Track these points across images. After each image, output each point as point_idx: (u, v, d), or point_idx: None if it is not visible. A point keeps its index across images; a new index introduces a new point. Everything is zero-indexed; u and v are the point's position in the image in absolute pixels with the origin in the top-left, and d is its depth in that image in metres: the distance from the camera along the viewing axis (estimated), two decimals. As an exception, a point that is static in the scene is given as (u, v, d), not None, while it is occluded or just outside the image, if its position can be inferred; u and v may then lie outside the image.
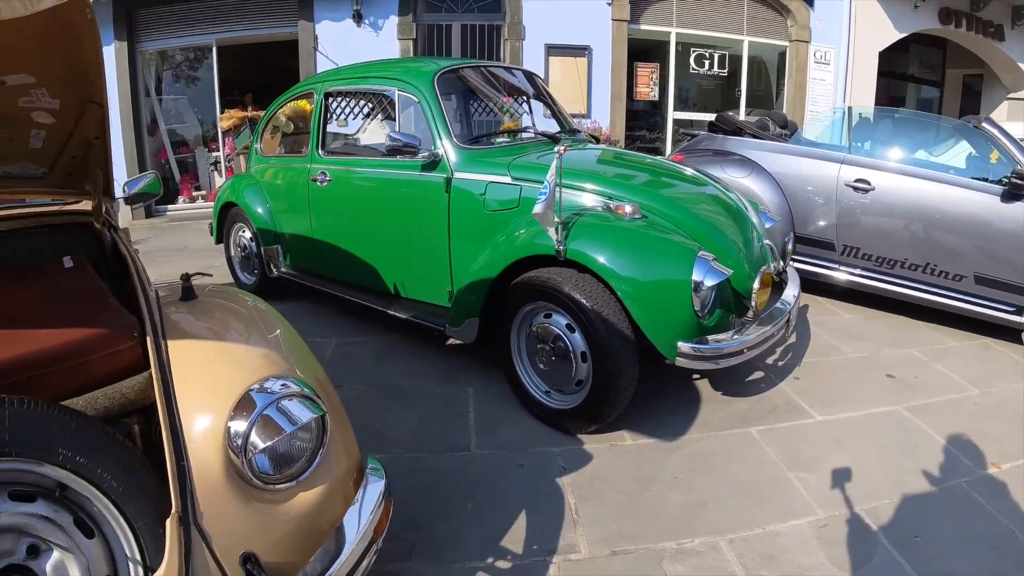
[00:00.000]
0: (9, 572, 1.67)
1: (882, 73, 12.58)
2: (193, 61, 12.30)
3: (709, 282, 3.16)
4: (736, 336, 3.37)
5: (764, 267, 3.69)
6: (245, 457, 1.89)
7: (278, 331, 2.40)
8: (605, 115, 10.93)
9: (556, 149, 3.23)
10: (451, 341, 4.55)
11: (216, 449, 1.90)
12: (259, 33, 11.20)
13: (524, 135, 4.72)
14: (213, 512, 1.84)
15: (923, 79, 16.36)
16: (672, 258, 3.23)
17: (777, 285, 4.06)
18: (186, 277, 2.53)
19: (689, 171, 4.24)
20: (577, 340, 3.33)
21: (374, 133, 5.72)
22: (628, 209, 3.40)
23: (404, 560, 2.73)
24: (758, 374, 4.36)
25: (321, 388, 2.17)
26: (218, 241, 6.59)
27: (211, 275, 2.99)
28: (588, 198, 3.65)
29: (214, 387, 2.02)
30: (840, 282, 5.62)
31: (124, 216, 11.02)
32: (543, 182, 3.31)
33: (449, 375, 4.30)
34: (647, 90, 11.48)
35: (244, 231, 6.13)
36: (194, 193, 12.07)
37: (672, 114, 11.75)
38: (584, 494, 3.07)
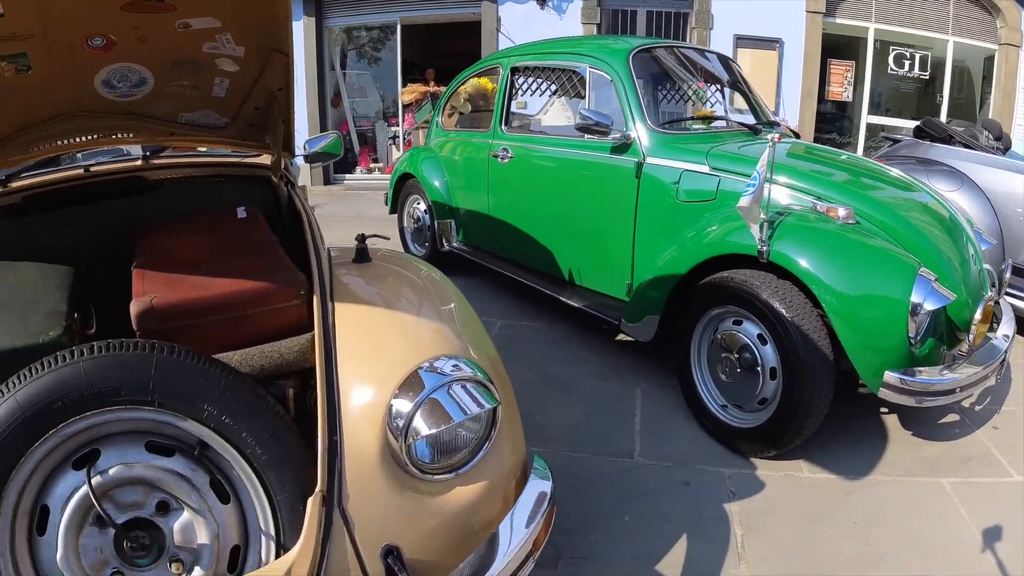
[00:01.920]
0: (135, 525, 1.61)
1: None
2: (377, 39, 12.68)
3: (929, 305, 2.76)
4: (947, 372, 2.94)
5: (985, 296, 3.23)
6: (405, 442, 1.72)
7: (453, 305, 2.23)
8: (794, 113, 10.35)
9: (769, 138, 2.91)
10: (621, 336, 4.32)
11: (374, 428, 1.74)
12: (443, 13, 11.39)
13: (719, 123, 4.39)
14: (360, 496, 1.69)
15: None
16: (890, 273, 2.84)
17: None
18: (362, 238, 2.42)
19: (894, 172, 3.81)
20: (768, 353, 3.01)
21: (561, 111, 5.56)
22: (841, 212, 3.03)
23: (550, 568, 2.54)
24: (952, 417, 3.82)
25: (495, 373, 1.98)
26: (392, 211, 6.65)
27: (388, 238, 2.88)
28: (791, 196, 3.30)
29: (380, 360, 1.88)
30: None
31: (303, 180, 11.47)
32: (745, 174, 3.01)
33: (616, 372, 4.06)
34: (840, 89, 10.77)
35: (419, 203, 6.13)
36: (371, 164, 12.51)
37: (866, 118, 10.96)
38: (752, 525, 2.76)
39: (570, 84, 4.51)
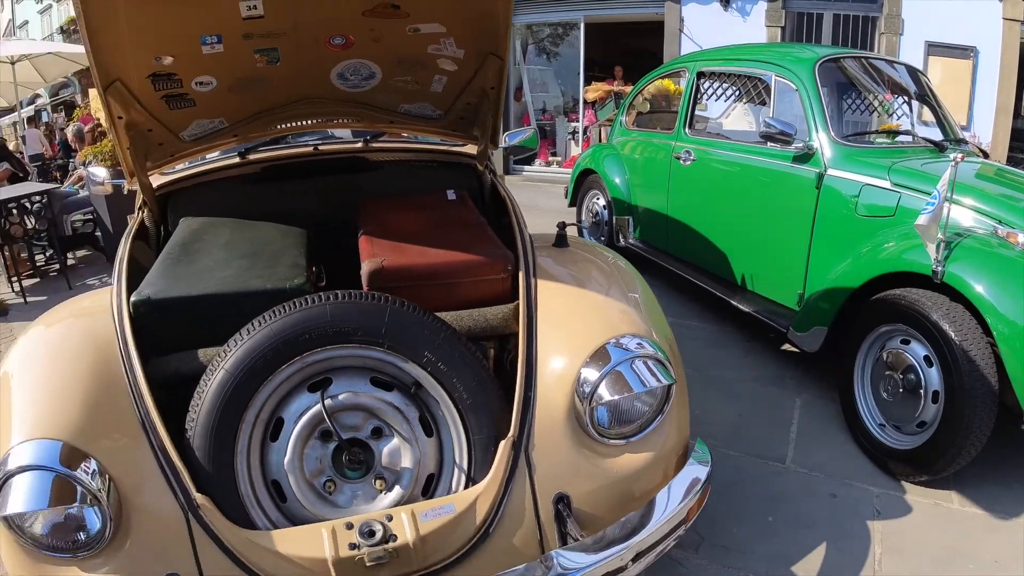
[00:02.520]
0: (352, 444, 1.92)
1: None
2: (559, 35, 12.88)
3: None
4: None
5: None
6: (588, 405, 1.96)
7: (639, 292, 2.44)
8: (986, 130, 9.53)
9: (952, 157, 2.86)
10: (786, 346, 4.33)
11: (563, 390, 2.01)
12: (627, 12, 11.46)
13: (904, 138, 4.28)
14: (544, 447, 1.96)
15: None
16: None
17: None
18: (562, 225, 2.71)
19: None
20: (932, 376, 2.95)
21: (742, 116, 5.56)
22: (1022, 239, 2.93)
23: (691, 551, 2.69)
24: None
25: (673, 356, 2.19)
26: (571, 204, 6.85)
27: (585, 226, 3.07)
28: (972, 218, 3.20)
29: (574, 332, 2.14)
30: None
31: (483, 174, 11.88)
32: (926, 192, 2.97)
33: (778, 379, 4.08)
34: (1042, 105, 9.89)
35: (598, 198, 6.30)
36: (550, 158, 12.76)
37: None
38: (893, 546, 2.74)
39: (755, 91, 4.53)
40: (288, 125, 3.10)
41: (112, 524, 1.71)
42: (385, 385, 1.97)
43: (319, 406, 1.89)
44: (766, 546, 2.72)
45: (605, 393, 1.97)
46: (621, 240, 5.75)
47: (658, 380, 2.02)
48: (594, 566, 1.75)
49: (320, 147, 3.37)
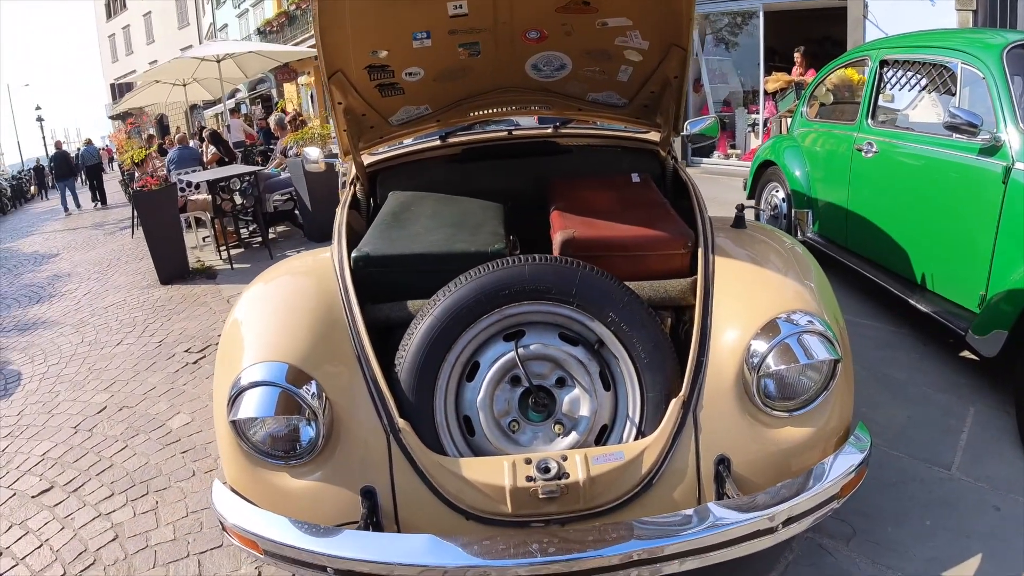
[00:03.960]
0: (538, 390, 2.14)
1: None
2: (738, 24, 12.50)
3: None
4: None
5: None
6: (757, 374, 2.05)
7: (813, 274, 2.48)
8: None
9: None
10: (964, 353, 4.08)
11: (734, 359, 2.12)
12: (808, 1, 10.87)
13: None
14: (711, 410, 2.06)
15: None
16: None
17: None
18: (740, 207, 2.83)
19: None
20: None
21: (930, 107, 5.23)
22: None
23: (842, 543, 2.66)
24: None
25: (841, 337, 2.23)
26: (750, 196, 6.70)
27: (763, 210, 3.08)
28: None
29: (747, 306, 2.24)
30: None
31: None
32: None
33: (952, 385, 3.85)
34: None
35: (777, 191, 6.14)
36: (729, 151, 12.49)
37: None
38: None
39: (940, 80, 4.26)
40: (485, 112, 3.45)
41: (324, 438, 2.02)
42: (572, 340, 2.17)
43: (513, 353, 2.13)
44: (919, 548, 2.63)
45: (772, 364, 2.05)
46: (800, 234, 5.60)
47: (825, 355, 2.07)
48: (746, 522, 1.83)
49: (514, 132, 3.70)
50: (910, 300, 4.12)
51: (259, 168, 10.06)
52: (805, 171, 5.62)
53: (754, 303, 2.23)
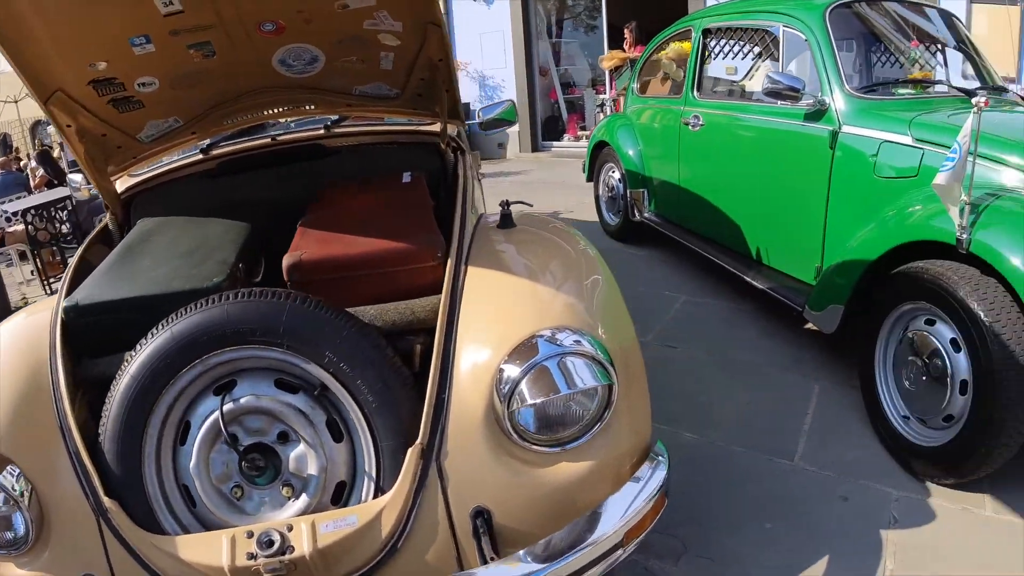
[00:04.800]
0: (257, 449, 1.82)
1: None
2: (586, 5, 12.48)
3: None
4: None
5: None
6: (509, 408, 1.73)
7: (597, 279, 2.14)
8: (1040, 81, 8.83)
9: (974, 102, 2.38)
10: (809, 325, 3.92)
11: (480, 390, 1.78)
12: None
13: (940, 88, 3.74)
14: (459, 455, 1.76)
15: None
16: None
17: None
18: (506, 204, 2.45)
19: None
20: (960, 363, 2.51)
21: (755, 75, 5.13)
22: None
23: (670, 561, 2.38)
24: None
25: (624, 355, 1.90)
26: (589, 179, 6.51)
27: (531, 204, 2.77)
28: (1011, 176, 2.71)
29: (499, 324, 1.90)
30: None
31: (512, 148, 11.55)
32: (951, 146, 2.56)
33: (796, 362, 3.68)
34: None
35: (613, 171, 5.95)
36: (579, 132, 12.44)
37: None
38: (907, 561, 2.34)
39: (763, 46, 4.09)
40: (245, 117, 3.06)
41: (35, 526, 1.77)
42: (291, 388, 1.85)
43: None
44: (758, 556, 2.38)
45: (527, 393, 1.73)
46: (636, 214, 5.39)
47: (591, 381, 1.74)
48: None
49: (278, 137, 3.31)
50: (746, 277, 3.94)
51: (73, 190, 9.27)
52: (638, 150, 5.42)
53: (509, 320, 1.90)
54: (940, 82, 3.74)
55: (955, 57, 4.12)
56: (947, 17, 4.16)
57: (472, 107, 11.52)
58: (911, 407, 2.83)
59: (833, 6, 3.59)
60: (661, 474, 1.83)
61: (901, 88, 3.58)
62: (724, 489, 2.70)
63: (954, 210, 2.45)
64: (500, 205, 2.41)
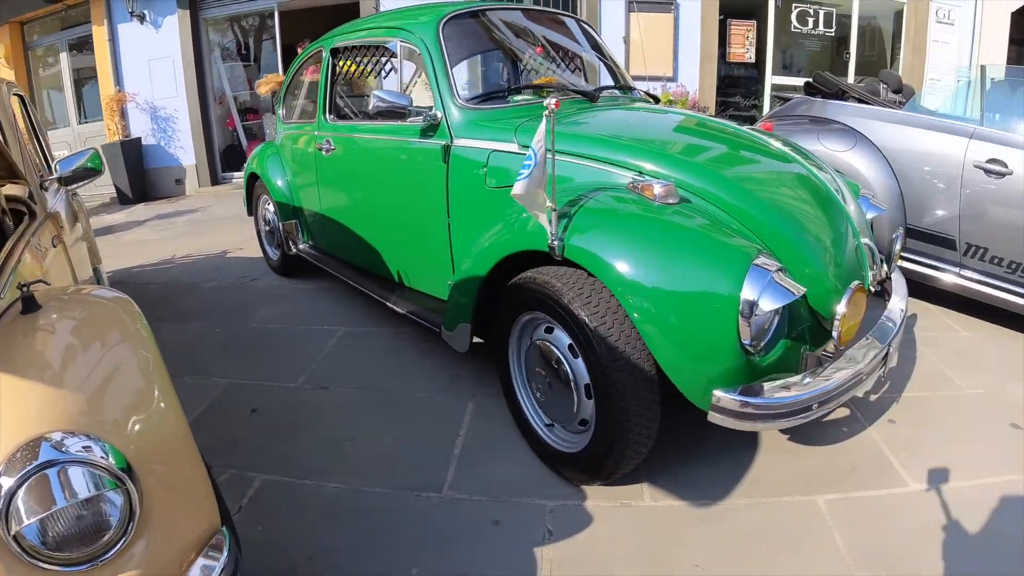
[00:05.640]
0: None
1: (1013, 40, 10.96)
2: (260, 27, 11.92)
3: (768, 304, 2.17)
4: (808, 380, 2.36)
5: (856, 280, 2.62)
6: (7, 526, 1.39)
7: (133, 368, 1.78)
8: (694, 78, 9.84)
9: (545, 104, 2.33)
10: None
11: None
12: None
13: (554, 93, 3.74)
14: None
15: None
16: (713, 263, 2.27)
17: (878, 295, 3.12)
18: (25, 286, 1.95)
19: (776, 144, 3.14)
20: (581, 368, 2.49)
21: (424, 91, 5.02)
22: (658, 190, 2.47)
23: None
24: (841, 412, 3.29)
25: (163, 450, 1.61)
26: (249, 213, 6.10)
27: (49, 283, 2.36)
28: (610, 174, 2.76)
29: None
30: (959, 289, 4.41)
31: (191, 183, 10.76)
32: (560, 151, 2.54)
33: (453, 381, 3.58)
34: (742, 51, 10.34)
35: (268, 203, 5.59)
36: (260, 161, 11.72)
37: (771, 78, 10.56)
38: (565, 574, 2.28)
39: (385, 62, 3.97)
40: None
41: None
42: None
43: None
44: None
45: (23, 509, 1.39)
46: (292, 248, 5.08)
47: (87, 492, 1.44)
48: None
49: None
50: (387, 302, 3.78)
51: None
52: (286, 179, 5.10)
53: (11, 422, 1.53)
54: (559, 87, 3.76)
55: (589, 62, 4.26)
56: (579, 24, 4.27)
57: (143, 142, 10.63)
58: (550, 415, 2.79)
59: (448, 18, 3.52)
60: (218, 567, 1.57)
61: (517, 95, 3.56)
62: (368, 542, 2.48)
63: (542, 217, 2.41)
64: (19, 288, 1.95)
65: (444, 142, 3.24)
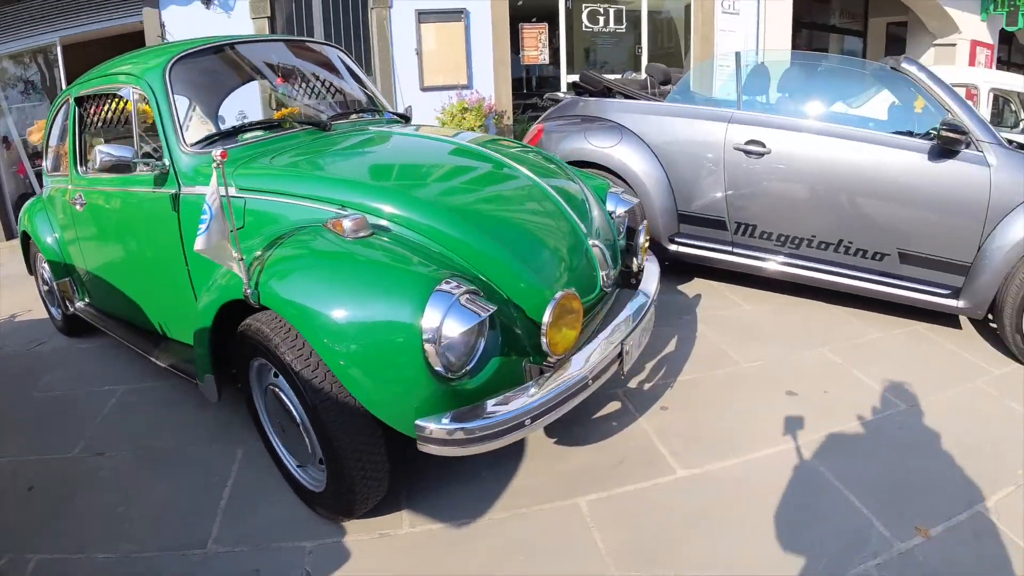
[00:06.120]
0: None
1: (802, 24, 11.71)
2: (45, 63, 11.24)
3: (453, 328, 2.20)
4: (533, 392, 2.40)
5: (570, 288, 2.64)
6: None
7: None
8: (488, 82, 10.00)
9: (213, 155, 2.32)
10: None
11: None
12: (105, 26, 10.09)
13: (290, 126, 3.64)
14: None
15: (845, 29, 15.73)
16: (394, 294, 2.28)
17: (632, 288, 3.26)
18: None
19: (497, 155, 3.20)
20: (302, 409, 2.52)
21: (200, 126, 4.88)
22: (347, 224, 2.46)
23: None
24: (612, 406, 3.35)
25: None
26: (30, 272, 5.74)
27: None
28: (317, 211, 2.76)
29: None
30: (737, 268, 4.70)
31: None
32: (273, 191, 2.53)
33: (224, 430, 3.51)
34: (535, 53, 10.58)
35: (44, 262, 5.29)
36: (68, 209, 11.07)
37: (566, 78, 10.86)
38: None
39: (123, 112, 3.83)
40: None
41: None
42: None
43: None
44: None
45: None
46: (70, 308, 4.84)
47: None
48: None
49: None
50: (151, 357, 3.69)
51: None
52: (55, 236, 4.85)
53: None
54: (294, 119, 3.73)
55: (340, 88, 4.26)
56: (328, 50, 4.28)
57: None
58: (295, 455, 2.80)
59: (175, 61, 3.43)
60: None
61: (249, 133, 3.50)
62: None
63: (235, 266, 2.41)
64: None
65: (173, 191, 3.18)
